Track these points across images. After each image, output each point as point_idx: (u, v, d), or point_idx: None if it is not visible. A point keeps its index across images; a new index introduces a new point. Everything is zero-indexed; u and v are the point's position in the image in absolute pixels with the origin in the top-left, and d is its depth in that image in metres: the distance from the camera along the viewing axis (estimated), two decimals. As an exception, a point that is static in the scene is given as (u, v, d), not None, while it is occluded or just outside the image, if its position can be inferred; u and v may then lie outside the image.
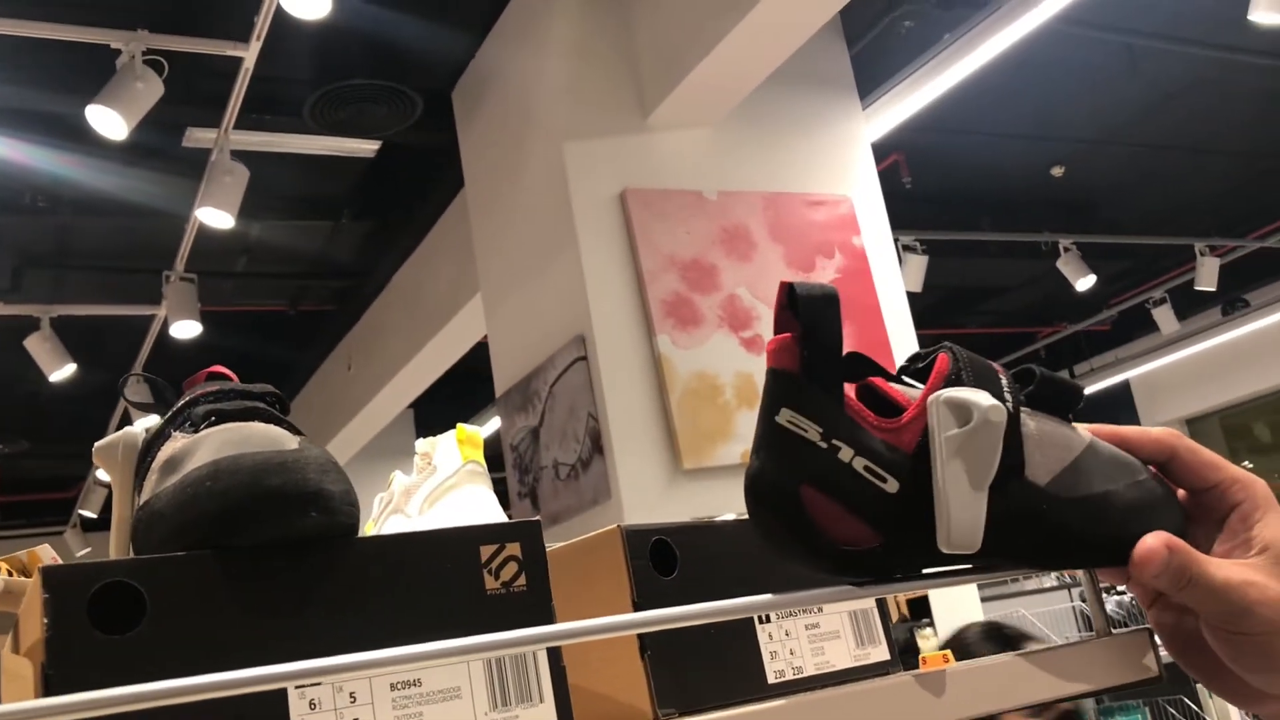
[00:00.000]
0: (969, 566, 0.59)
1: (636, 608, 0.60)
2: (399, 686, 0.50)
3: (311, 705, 0.48)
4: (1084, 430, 0.59)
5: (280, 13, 3.06)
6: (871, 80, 3.89)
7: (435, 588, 0.53)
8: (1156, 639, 0.63)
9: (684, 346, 3.13)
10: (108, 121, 3.20)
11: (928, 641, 3.25)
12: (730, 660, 0.63)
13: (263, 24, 3.21)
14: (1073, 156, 5.51)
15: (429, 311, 5.01)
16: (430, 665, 0.51)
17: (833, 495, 0.52)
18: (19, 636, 0.50)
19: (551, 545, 0.62)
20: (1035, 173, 5.63)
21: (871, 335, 3.40)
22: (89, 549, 7.91)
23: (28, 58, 3.47)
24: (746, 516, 0.55)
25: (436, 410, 6.54)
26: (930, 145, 4.81)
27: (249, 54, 3.33)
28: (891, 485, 0.52)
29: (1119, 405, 8.55)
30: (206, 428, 0.56)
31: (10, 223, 4.58)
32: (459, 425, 0.95)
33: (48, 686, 0.44)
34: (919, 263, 5.32)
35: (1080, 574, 0.63)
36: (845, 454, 0.52)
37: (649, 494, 2.97)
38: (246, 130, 3.90)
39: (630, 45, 3.44)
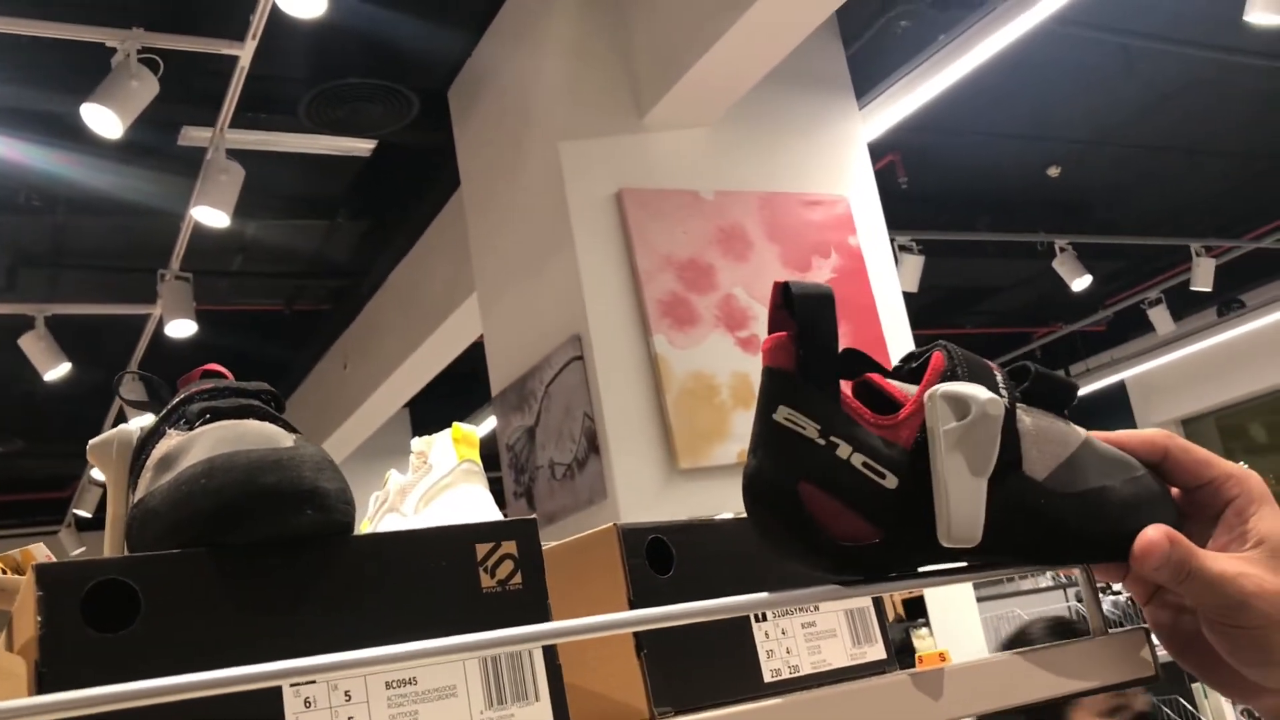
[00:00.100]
0: (964, 565, 0.59)
1: (633, 606, 0.60)
2: (394, 685, 0.50)
3: (306, 703, 0.48)
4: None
5: (276, 11, 3.06)
6: (868, 80, 3.89)
7: (431, 586, 0.53)
8: (1153, 638, 0.63)
9: (680, 346, 3.13)
10: (103, 120, 3.19)
11: (923, 642, 3.26)
12: (726, 659, 0.63)
13: (258, 23, 3.20)
14: (1069, 157, 5.52)
15: (425, 311, 5.01)
16: (426, 663, 0.51)
17: (831, 492, 0.52)
18: (13, 634, 0.50)
19: (547, 544, 0.62)
20: (1031, 173, 5.63)
21: (868, 335, 3.40)
22: (84, 548, 7.91)
23: (22, 56, 3.47)
24: (744, 515, 0.55)
25: (432, 410, 6.53)
26: (926, 145, 4.82)
27: (244, 53, 3.32)
28: (890, 481, 0.52)
29: (1114, 405, 8.56)
30: (201, 425, 0.56)
31: (5, 221, 4.57)
32: (454, 424, 0.95)
33: (41, 684, 0.44)
34: (915, 263, 5.33)
35: (1076, 574, 0.63)
36: (843, 450, 0.52)
37: (645, 494, 2.97)
38: (242, 129, 3.89)
39: (627, 45, 3.44)
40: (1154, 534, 0.55)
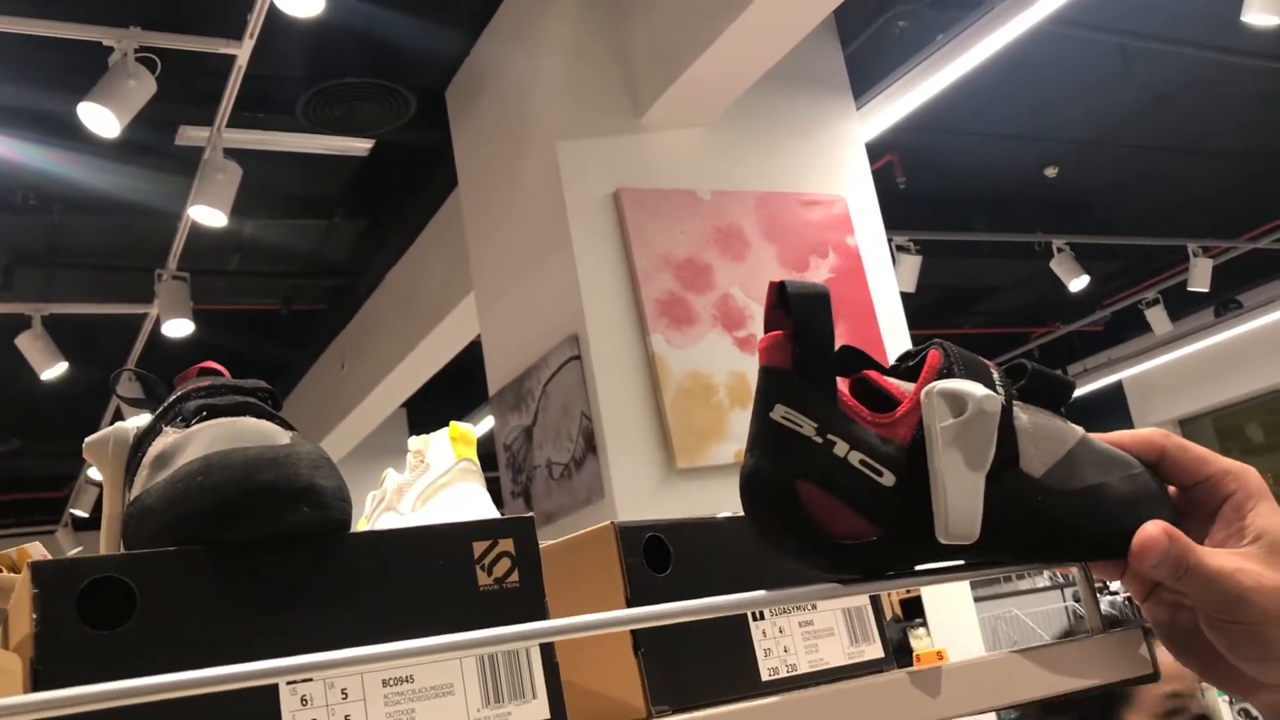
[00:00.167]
0: (961, 563, 0.59)
1: (630, 604, 0.60)
2: (391, 683, 0.50)
3: (303, 701, 0.48)
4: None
5: (273, 10, 3.06)
6: (865, 80, 3.89)
7: (428, 584, 0.53)
8: (1151, 637, 0.63)
9: (678, 346, 3.12)
10: (100, 119, 3.19)
11: (921, 641, 3.26)
12: (724, 657, 0.63)
13: (256, 22, 3.20)
14: (1066, 157, 5.52)
15: (422, 310, 5.01)
16: (422, 661, 0.51)
17: (829, 490, 0.52)
18: (9, 632, 0.50)
19: (544, 543, 0.62)
20: (1029, 173, 5.64)
21: (865, 335, 3.40)
22: (80, 548, 7.89)
23: (19, 54, 3.46)
24: (741, 515, 0.55)
25: (429, 409, 6.53)
26: (924, 145, 4.82)
27: (242, 52, 3.32)
28: (888, 479, 0.52)
29: (1112, 406, 8.57)
30: (198, 423, 0.56)
31: (1, 220, 4.57)
32: (452, 423, 0.95)
33: (37, 682, 0.44)
34: (913, 263, 5.33)
35: (1074, 573, 0.63)
36: (840, 448, 0.52)
37: (642, 493, 2.97)
38: (239, 128, 3.88)
39: (624, 45, 3.44)
40: (1152, 530, 0.55)
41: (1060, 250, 5.98)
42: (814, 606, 0.68)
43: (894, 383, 0.56)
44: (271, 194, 4.65)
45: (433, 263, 4.91)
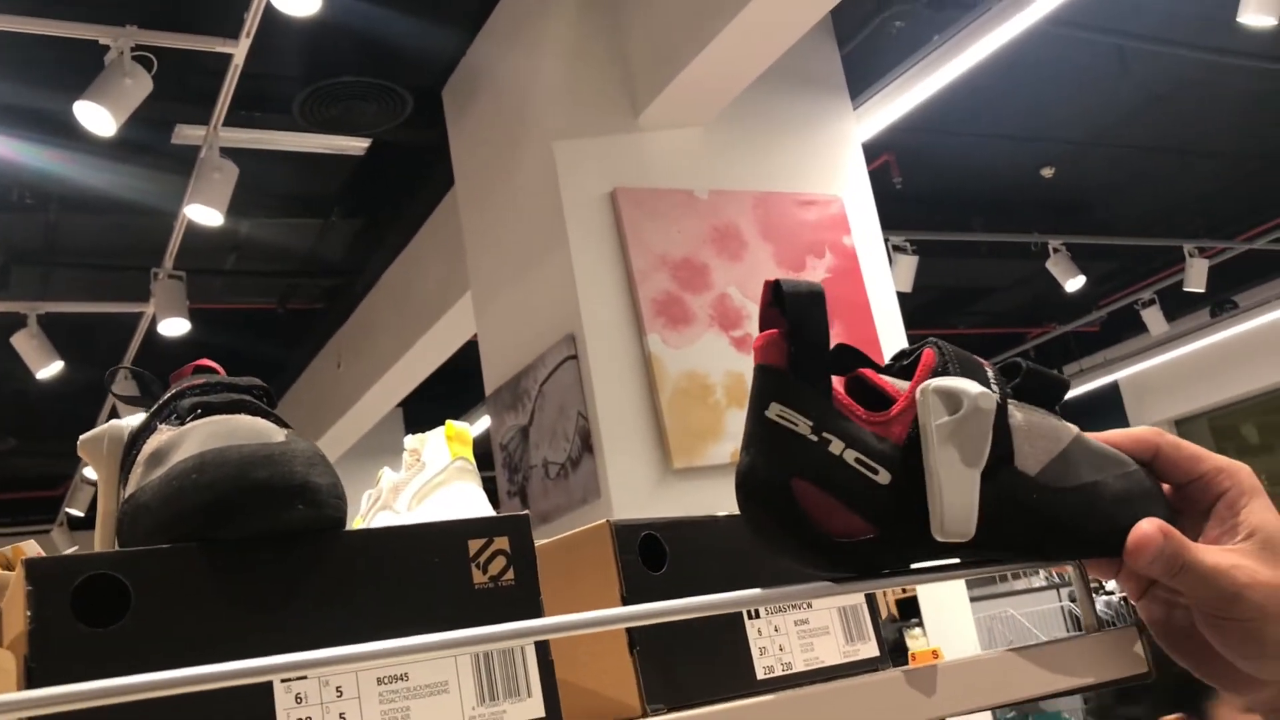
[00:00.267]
0: (957, 561, 0.59)
1: (625, 602, 0.60)
2: (386, 681, 0.50)
3: (298, 699, 0.48)
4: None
5: (270, 9, 3.05)
6: (862, 80, 3.89)
7: (423, 581, 0.53)
8: (1146, 636, 0.63)
9: (674, 346, 3.12)
10: (96, 118, 3.18)
11: (917, 641, 3.26)
12: (719, 655, 0.63)
13: (252, 21, 3.20)
14: (1062, 157, 5.53)
15: (419, 310, 5.01)
16: (417, 659, 0.51)
17: (825, 488, 0.52)
18: (2, 629, 0.50)
19: (540, 541, 0.62)
20: (1025, 173, 5.64)
21: (861, 335, 3.40)
22: (76, 547, 7.86)
23: (15, 53, 3.46)
24: (738, 514, 0.55)
25: (426, 409, 6.53)
26: (921, 146, 4.82)
27: (238, 51, 3.31)
28: (883, 477, 0.52)
29: (1108, 406, 8.57)
30: (193, 420, 0.56)
31: (-3, 219, 4.57)
32: (448, 422, 0.95)
33: (31, 679, 0.44)
34: (909, 263, 5.33)
35: (1070, 572, 0.63)
36: (836, 446, 0.52)
37: (639, 493, 2.97)
38: (236, 127, 3.88)
39: (621, 44, 3.44)
40: (1147, 528, 0.55)
41: (1056, 250, 5.99)
42: (809, 605, 0.68)
43: (889, 381, 0.56)
44: (268, 193, 4.64)
45: (429, 262, 4.91)
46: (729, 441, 3.07)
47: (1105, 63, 4.63)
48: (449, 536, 0.54)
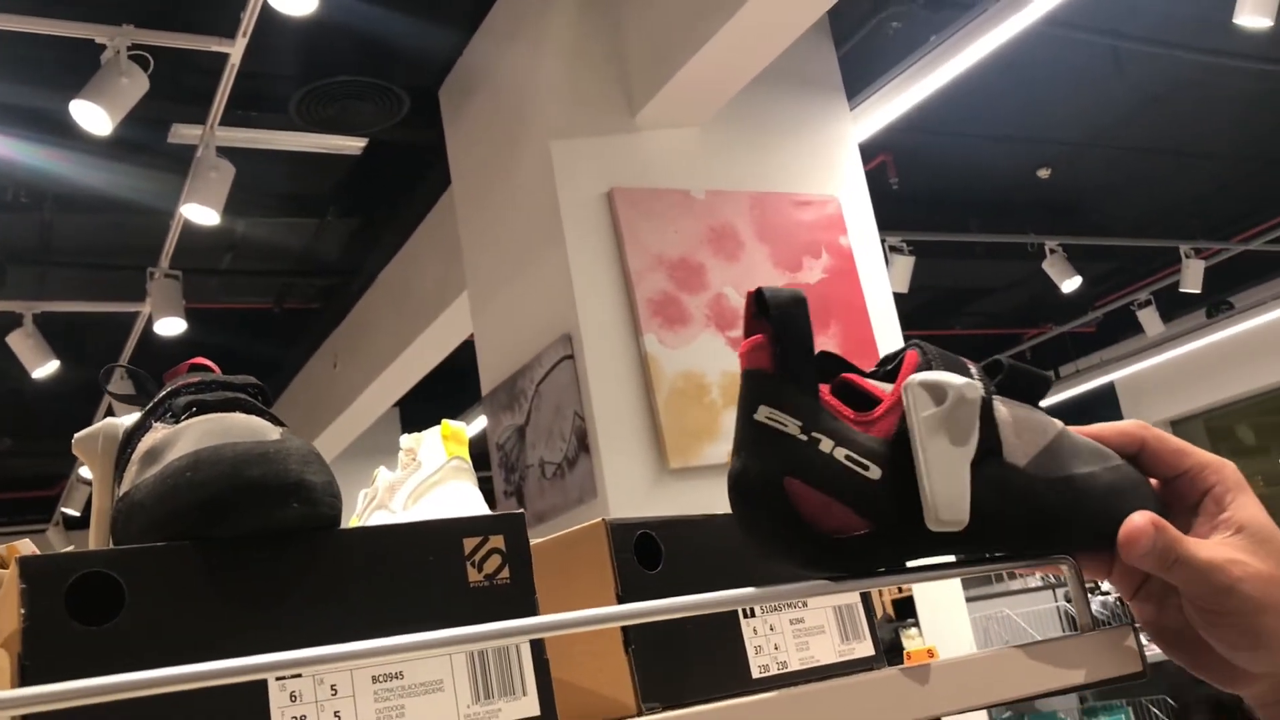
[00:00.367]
0: (953, 560, 0.59)
1: (621, 601, 0.60)
2: (380, 679, 0.50)
3: (292, 697, 0.48)
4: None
5: (266, 9, 3.05)
6: (859, 81, 3.89)
7: (418, 580, 0.53)
8: (1141, 635, 0.63)
9: (671, 346, 3.13)
10: (92, 117, 3.18)
11: (913, 641, 3.26)
12: (714, 654, 0.63)
13: (249, 20, 3.19)
14: (1059, 158, 5.53)
15: (415, 309, 5.00)
16: (412, 657, 0.51)
17: (817, 485, 0.52)
18: (-4, 628, 0.50)
19: (536, 540, 0.62)
20: (1022, 174, 5.65)
21: (858, 336, 3.40)
22: (71, 546, 7.85)
23: (11, 51, 3.45)
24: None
25: (422, 409, 6.53)
26: (917, 146, 4.82)
27: (235, 50, 3.31)
28: (874, 472, 0.53)
29: (1104, 407, 8.58)
30: (188, 418, 0.56)
31: (-7, 218, 4.56)
32: (443, 421, 0.95)
33: (24, 677, 0.43)
34: (905, 263, 5.33)
35: (1065, 572, 0.63)
36: (826, 445, 0.52)
37: (635, 493, 2.97)
38: (232, 127, 3.88)
39: (618, 44, 3.44)
40: (1139, 520, 0.55)
41: (1053, 251, 5.99)
42: (805, 604, 0.68)
43: (874, 384, 0.57)
44: (264, 192, 4.64)
45: (426, 262, 4.91)
46: (725, 441, 3.07)
47: (1101, 64, 4.64)
48: (444, 535, 0.54)
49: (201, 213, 3.72)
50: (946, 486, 0.52)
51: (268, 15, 3.11)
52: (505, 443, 3.49)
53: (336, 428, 6.10)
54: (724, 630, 0.64)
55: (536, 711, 0.54)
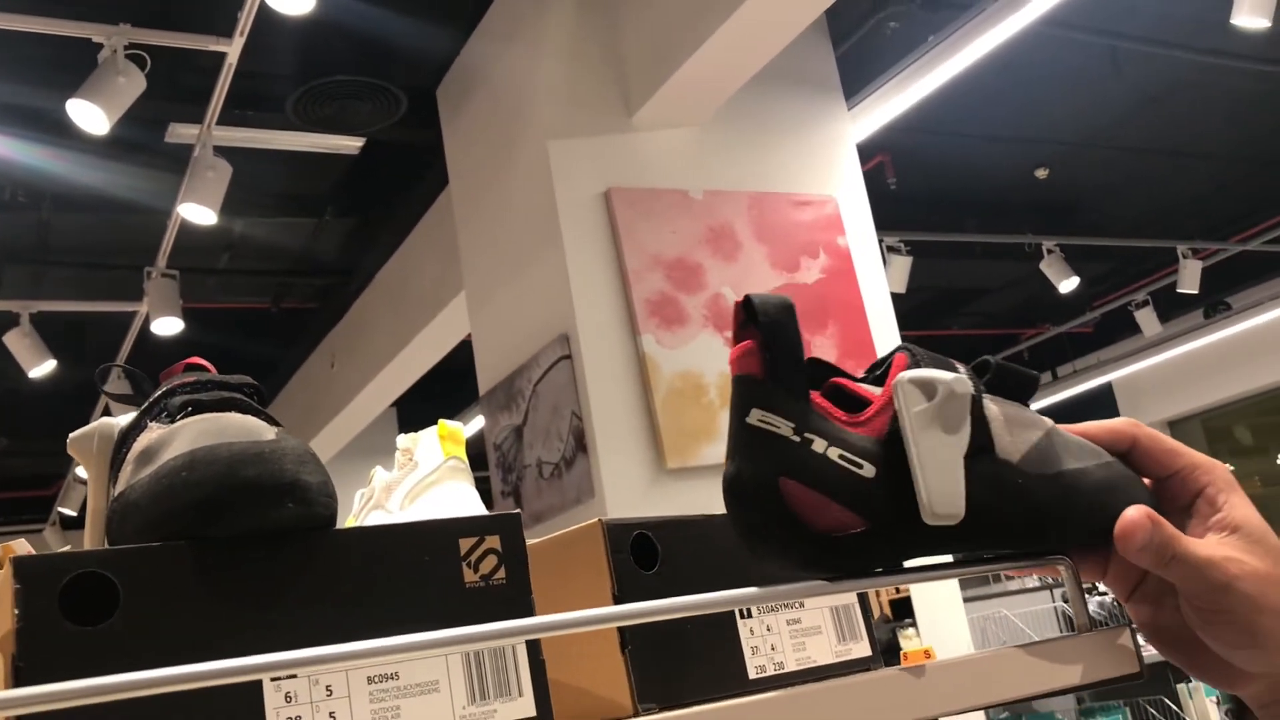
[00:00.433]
0: (950, 560, 0.59)
1: (617, 601, 0.60)
2: (376, 679, 0.50)
3: (287, 698, 0.48)
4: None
5: (264, 8, 3.05)
6: (857, 81, 3.89)
7: (413, 580, 0.52)
8: (1138, 636, 0.63)
9: (668, 346, 3.12)
10: (89, 116, 3.18)
11: (910, 642, 3.26)
12: (711, 655, 0.63)
13: (246, 19, 3.19)
14: (1056, 158, 5.54)
15: (413, 309, 5.00)
16: (408, 658, 0.51)
17: (812, 484, 0.52)
18: (-10, 628, 0.49)
19: (532, 540, 0.61)
20: (1019, 174, 5.65)
21: (855, 336, 3.40)
22: (68, 546, 7.84)
23: (8, 51, 3.45)
24: None
25: (419, 409, 6.52)
26: (915, 146, 4.82)
27: (232, 49, 3.31)
28: (868, 470, 0.53)
29: (1101, 407, 8.58)
30: (183, 418, 0.56)
31: (-10, 218, 4.55)
32: (440, 421, 0.94)
33: (18, 678, 0.43)
34: (903, 264, 5.33)
35: (1062, 573, 0.63)
36: (819, 445, 0.53)
37: (632, 493, 2.97)
38: (229, 126, 3.87)
39: (616, 44, 3.44)
40: (1134, 514, 0.56)
41: (1050, 252, 6.00)
42: (802, 604, 0.68)
43: (865, 388, 0.57)
44: (262, 192, 4.64)
45: (423, 262, 4.91)
46: (723, 442, 3.05)
47: (1099, 64, 4.64)
48: (440, 535, 0.54)
49: (199, 212, 3.72)
50: (940, 480, 0.52)
51: (265, 14, 3.11)
52: (503, 443, 3.49)
53: (334, 427, 6.10)
54: (721, 631, 0.64)
55: (532, 712, 0.53)
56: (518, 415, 3.40)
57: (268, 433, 0.51)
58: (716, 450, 3.04)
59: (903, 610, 3.32)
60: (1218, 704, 4.31)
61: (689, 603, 0.52)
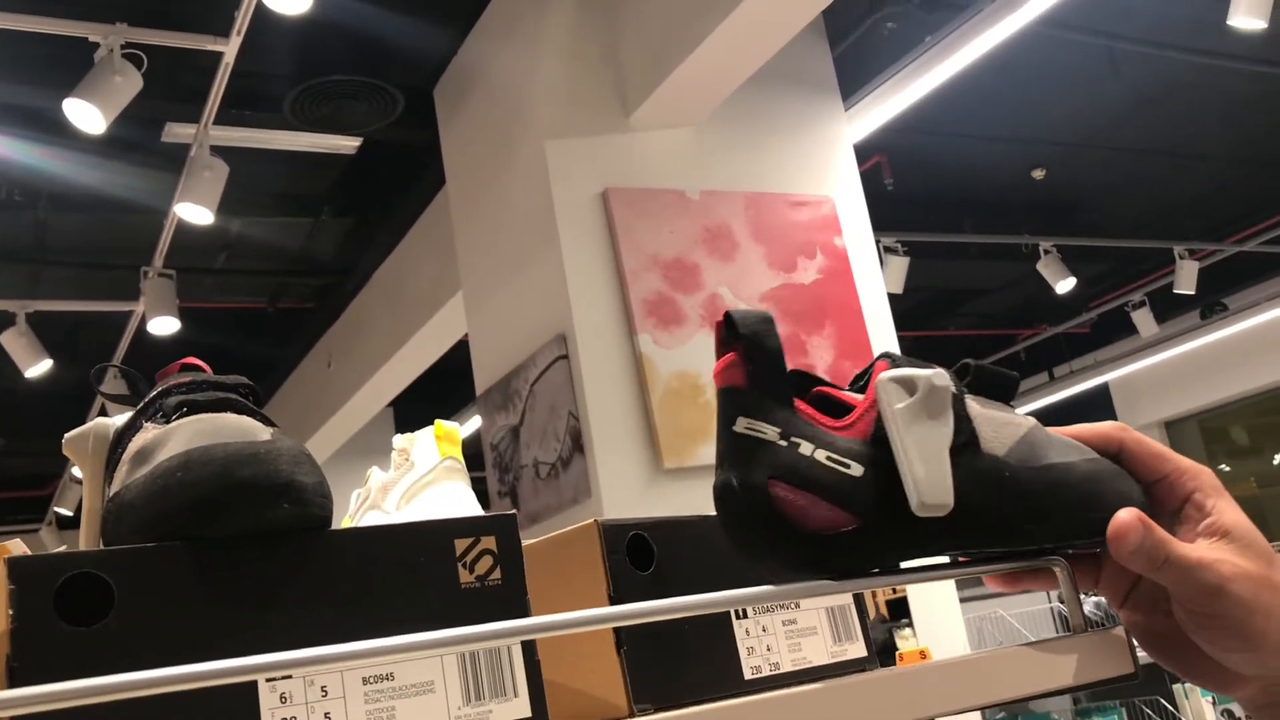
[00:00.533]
0: (947, 561, 0.60)
1: (613, 602, 0.60)
2: (371, 680, 0.50)
3: (282, 699, 0.48)
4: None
5: (261, 8, 3.05)
6: (854, 81, 3.90)
7: (409, 581, 0.52)
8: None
9: (665, 346, 3.12)
10: (86, 115, 3.17)
11: (906, 642, 3.26)
12: (707, 656, 0.63)
13: (243, 19, 3.19)
14: (1054, 159, 5.54)
15: (410, 309, 5.00)
16: (403, 659, 0.51)
17: (801, 486, 0.53)
18: (-15, 629, 0.49)
19: (528, 541, 0.61)
20: (1016, 175, 5.65)
21: (852, 337, 3.40)
22: (64, 546, 7.83)
23: (4, 50, 3.44)
24: None
25: (416, 409, 6.52)
26: (912, 147, 4.83)
27: (229, 49, 3.31)
28: (856, 470, 0.54)
29: (1098, 407, 8.59)
30: (178, 419, 0.56)
31: (-14, 217, 4.55)
32: (437, 421, 0.94)
33: (13, 678, 0.43)
34: (900, 264, 5.33)
35: (1057, 574, 0.63)
36: (806, 448, 0.54)
37: (629, 493, 2.97)
38: (226, 126, 3.87)
39: (613, 44, 3.44)
40: (1127, 516, 0.56)
41: (1047, 252, 6.00)
42: (797, 605, 0.68)
43: (848, 394, 0.58)
44: (258, 191, 4.63)
45: (420, 261, 4.91)
46: (720, 442, 3.06)
47: (1096, 65, 4.64)
48: (435, 536, 0.54)
49: (196, 212, 3.71)
50: (928, 470, 0.53)
51: (262, 14, 3.11)
52: (500, 443, 3.49)
53: (330, 427, 6.09)
54: (716, 631, 0.64)
55: (528, 713, 0.53)
56: (514, 415, 3.40)
57: (263, 433, 0.51)
58: (713, 450, 3.04)
59: (899, 610, 3.32)
60: (1213, 704, 4.32)
61: (684, 603, 0.52)
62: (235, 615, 0.48)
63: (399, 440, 0.95)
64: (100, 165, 4.15)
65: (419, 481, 0.90)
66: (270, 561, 0.49)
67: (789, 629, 0.67)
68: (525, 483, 3.32)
